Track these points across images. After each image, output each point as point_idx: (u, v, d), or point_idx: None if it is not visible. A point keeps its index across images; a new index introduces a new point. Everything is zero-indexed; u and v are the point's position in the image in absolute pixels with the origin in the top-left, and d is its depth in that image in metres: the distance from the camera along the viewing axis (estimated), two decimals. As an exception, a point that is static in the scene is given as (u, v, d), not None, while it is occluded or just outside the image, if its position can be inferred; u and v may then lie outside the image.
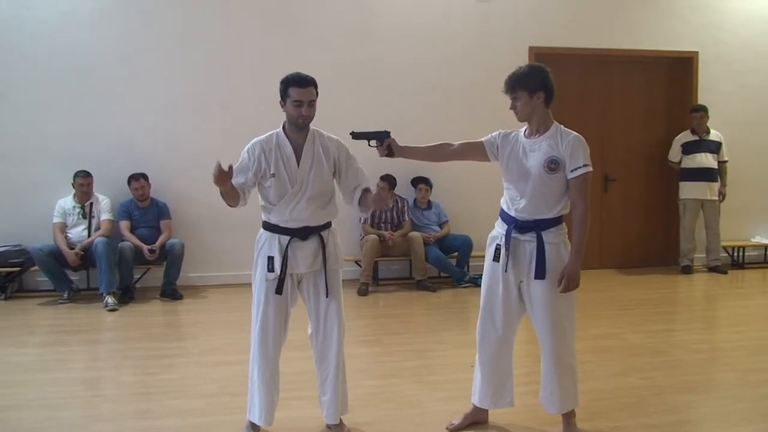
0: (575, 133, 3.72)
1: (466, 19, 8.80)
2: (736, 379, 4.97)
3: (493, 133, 3.91)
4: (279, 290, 3.75)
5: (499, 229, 3.88)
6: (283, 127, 3.79)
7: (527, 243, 3.75)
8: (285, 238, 3.76)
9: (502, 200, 3.91)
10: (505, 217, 3.85)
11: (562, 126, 3.76)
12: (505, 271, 3.78)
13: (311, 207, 3.76)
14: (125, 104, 8.10)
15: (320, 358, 3.90)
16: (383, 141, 3.92)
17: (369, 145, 3.96)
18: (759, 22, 9.56)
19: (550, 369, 3.82)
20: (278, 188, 3.73)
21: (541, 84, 3.70)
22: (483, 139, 3.91)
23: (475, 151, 3.94)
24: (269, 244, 3.79)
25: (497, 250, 3.83)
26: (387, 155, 3.94)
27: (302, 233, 3.77)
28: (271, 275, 3.75)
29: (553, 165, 3.64)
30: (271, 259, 3.76)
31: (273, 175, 3.71)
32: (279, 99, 3.73)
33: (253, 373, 3.83)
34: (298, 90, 3.64)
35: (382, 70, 8.61)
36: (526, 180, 3.71)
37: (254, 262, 3.85)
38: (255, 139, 3.80)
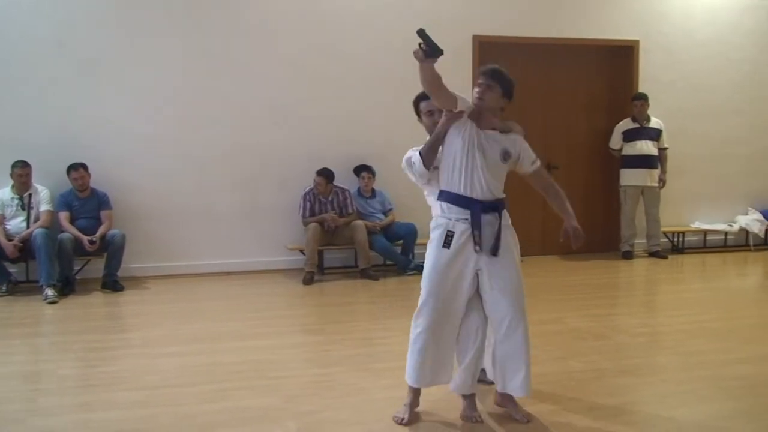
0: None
1: (410, 7, 8.67)
2: (676, 362, 5.07)
3: (465, 99, 3.85)
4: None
5: (450, 214, 3.88)
6: None
7: (488, 226, 3.84)
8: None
9: (449, 183, 3.88)
10: (462, 202, 3.84)
11: None
12: (479, 250, 3.80)
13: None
14: (64, 92, 7.89)
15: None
16: (429, 52, 3.57)
17: (419, 45, 3.58)
18: (700, 12, 9.73)
19: (521, 351, 3.86)
20: None
21: (511, 93, 3.94)
22: (458, 95, 3.82)
23: (447, 95, 3.79)
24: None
25: (448, 236, 3.85)
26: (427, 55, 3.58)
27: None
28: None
29: (506, 156, 3.90)
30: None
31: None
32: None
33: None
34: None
35: (325, 61, 8.44)
36: (485, 165, 3.81)
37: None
38: None
